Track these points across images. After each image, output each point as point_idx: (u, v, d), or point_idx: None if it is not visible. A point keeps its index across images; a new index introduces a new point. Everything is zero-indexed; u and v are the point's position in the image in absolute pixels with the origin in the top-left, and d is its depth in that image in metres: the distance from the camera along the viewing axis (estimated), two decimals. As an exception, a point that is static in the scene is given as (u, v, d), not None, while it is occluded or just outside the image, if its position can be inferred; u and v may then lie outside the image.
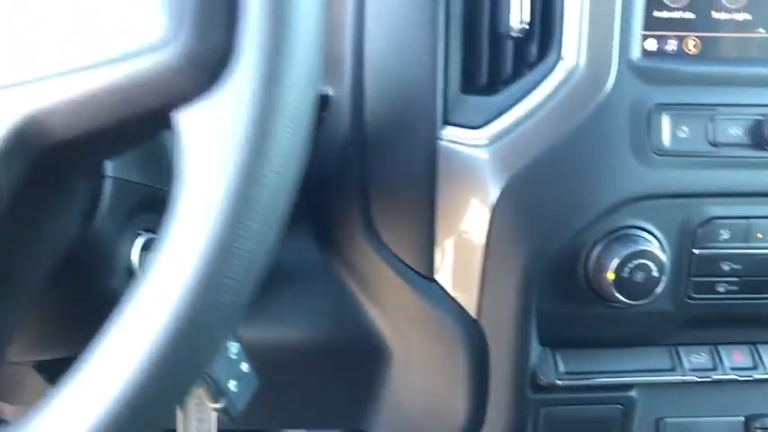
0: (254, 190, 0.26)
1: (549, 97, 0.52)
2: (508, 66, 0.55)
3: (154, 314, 0.26)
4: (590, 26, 0.51)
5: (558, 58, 0.52)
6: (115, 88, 0.26)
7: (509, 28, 0.53)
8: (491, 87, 0.55)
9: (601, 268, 0.51)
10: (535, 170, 0.52)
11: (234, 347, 0.54)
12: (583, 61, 0.51)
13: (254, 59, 0.26)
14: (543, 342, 0.56)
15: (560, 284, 0.53)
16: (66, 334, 0.50)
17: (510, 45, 0.54)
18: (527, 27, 0.53)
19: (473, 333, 0.55)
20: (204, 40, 0.26)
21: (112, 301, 0.49)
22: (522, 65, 0.55)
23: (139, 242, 0.50)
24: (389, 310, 0.60)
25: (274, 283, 0.67)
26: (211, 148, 0.26)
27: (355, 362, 0.63)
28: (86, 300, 0.49)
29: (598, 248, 0.52)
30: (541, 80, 0.53)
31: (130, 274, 0.49)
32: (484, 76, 0.55)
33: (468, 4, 0.55)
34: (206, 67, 0.26)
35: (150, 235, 0.51)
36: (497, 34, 0.54)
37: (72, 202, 0.38)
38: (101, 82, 0.26)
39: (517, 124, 0.52)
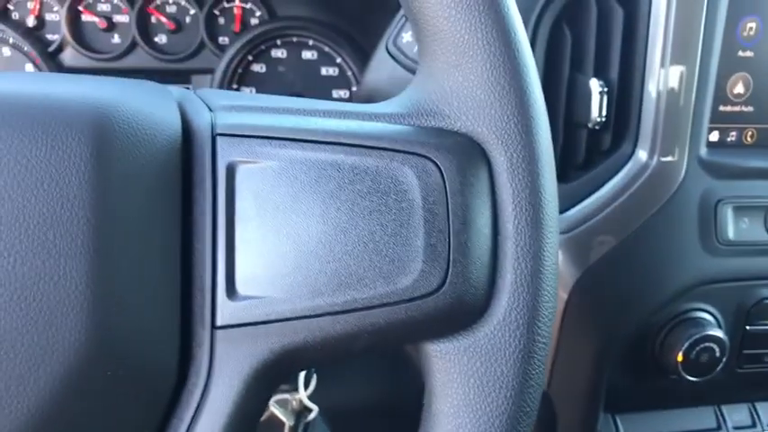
0: None
1: (622, 190, 0.55)
2: (581, 153, 0.57)
3: None
4: (665, 121, 0.54)
5: (632, 149, 0.55)
6: (374, 329, 0.27)
7: (587, 120, 0.55)
8: (563, 173, 0.57)
9: (669, 349, 0.56)
10: (609, 260, 0.55)
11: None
12: (656, 155, 0.54)
13: (516, 305, 0.27)
14: (604, 408, 0.60)
15: (629, 362, 0.57)
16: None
17: (584, 134, 0.56)
18: (604, 120, 0.55)
19: (541, 402, 0.59)
20: (466, 288, 0.27)
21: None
22: (595, 153, 0.57)
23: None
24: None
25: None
26: (467, 387, 0.27)
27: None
28: None
29: (666, 330, 0.56)
30: (615, 172, 0.55)
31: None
32: (557, 163, 0.57)
33: (546, 93, 0.56)
34: (466, 310, 0.27)
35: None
36: (573, 123, 0.56)
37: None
38: (359, 324, 0.27)
39: (592, 216, 0.55)
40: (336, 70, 0.74)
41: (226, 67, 0.70)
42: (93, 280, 0.26)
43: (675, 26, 0.52)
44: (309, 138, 0.28)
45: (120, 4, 0.71)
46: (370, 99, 0.52)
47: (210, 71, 0.72)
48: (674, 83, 0.54)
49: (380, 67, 0.48)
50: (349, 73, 0.74)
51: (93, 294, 0.25)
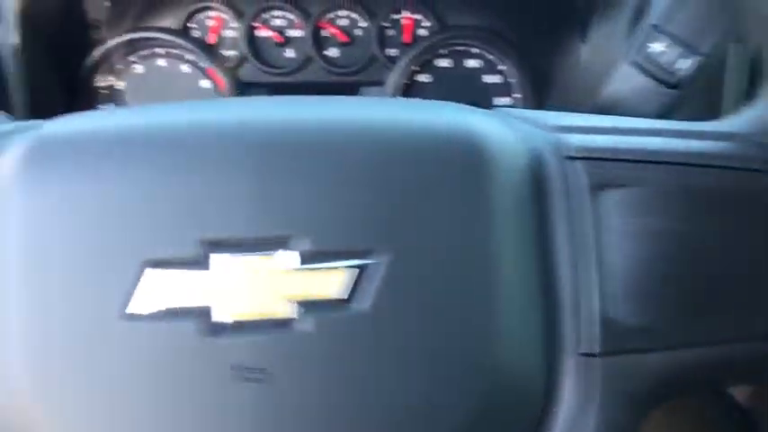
0: None
1: None
2: None
3: None
4: None
5: None
6: (752, 361, 0.27)
7: None
8: None
9: None
10: None
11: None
12: None
13: None
14: None
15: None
16: None
17: None
18: None
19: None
20: None
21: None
22: None
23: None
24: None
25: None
26: None
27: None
28: None
29: None
30: None
31: None
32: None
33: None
34: None
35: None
36: None
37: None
38: (737, 355, 0.27)
39: None
40: (499, 78, 0.74)
41: (398, 78, 0.71)
42: (482, 306, 0.27)
43: None
44: (679, 160, 0.28)
45: (294, 19, 0.72)
46: (608, 114, 0.52)
47: (378, 83, 0.73)
48: None
49: (624, 80, 0.48)
50: (513, 81, 0.74)
51: (484, 323, 0.27)
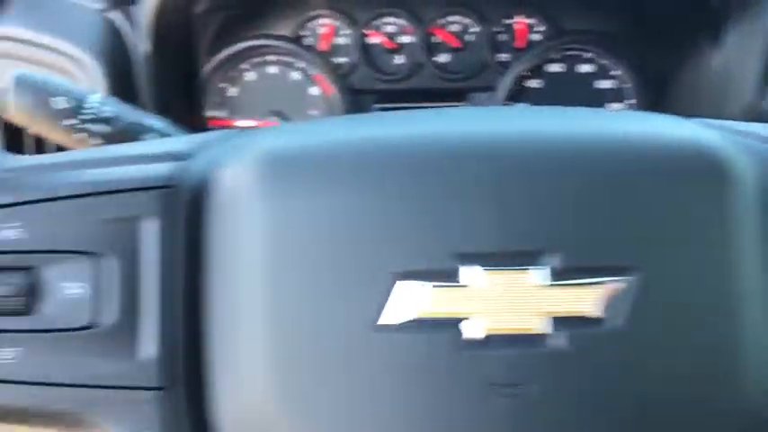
0: None
1: None
2: None
3: None
4: None
5: None
6: None
7: None
8: None
9: None
10: None
11: None
12: None
13: None
14: None
15: None
16: None
17: None
18: None
19: None
20: None
21: None
22: None
23: None
24: None
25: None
26: None
27: None
28: None
29: None
30: None
31: None
32: None
33: None
34: None
35: None
36: None
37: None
38: None
39: None
40: (613, 83, 0.72)
41: (511, 84, 0.70)
42: (725, 324, 0.26)
43: None
44: None
45: (406, 24, 0.71)
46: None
47: (487, 89, 0.72)
48: None
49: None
50: (626, 86, 0.72)
51: (726, 340, 0.27)
